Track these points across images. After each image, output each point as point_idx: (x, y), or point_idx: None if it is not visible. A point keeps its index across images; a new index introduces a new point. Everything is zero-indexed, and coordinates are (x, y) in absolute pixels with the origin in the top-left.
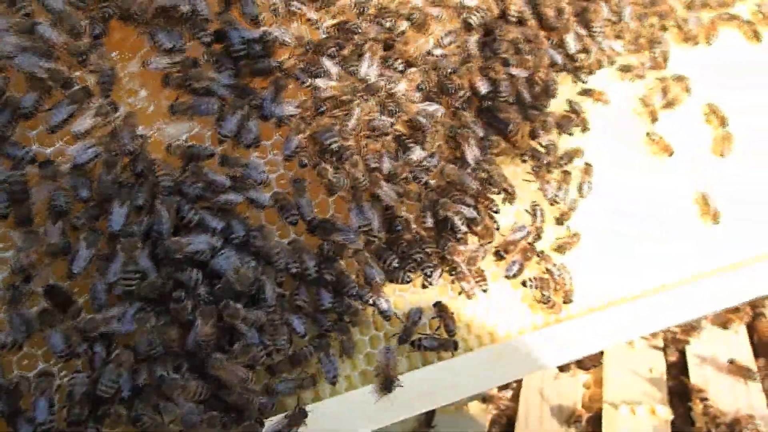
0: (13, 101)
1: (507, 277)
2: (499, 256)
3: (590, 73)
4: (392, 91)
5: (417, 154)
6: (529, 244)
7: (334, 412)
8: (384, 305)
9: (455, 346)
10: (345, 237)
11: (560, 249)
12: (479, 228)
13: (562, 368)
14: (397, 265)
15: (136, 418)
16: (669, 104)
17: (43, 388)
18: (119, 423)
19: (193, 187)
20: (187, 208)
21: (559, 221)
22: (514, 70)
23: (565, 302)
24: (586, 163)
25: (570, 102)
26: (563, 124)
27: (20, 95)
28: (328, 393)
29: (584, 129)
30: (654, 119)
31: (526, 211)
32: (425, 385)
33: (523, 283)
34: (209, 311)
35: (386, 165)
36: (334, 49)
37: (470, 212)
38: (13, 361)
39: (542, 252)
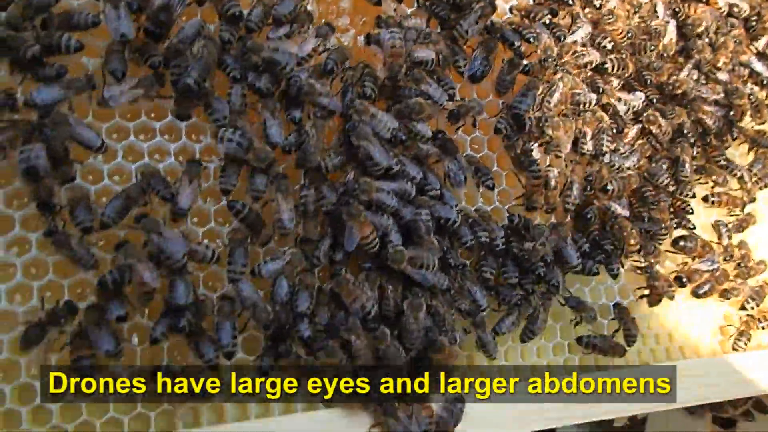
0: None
1: (695, 294)
2: (680, 282)
3: None
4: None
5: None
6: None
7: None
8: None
9: (623, 352)
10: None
11: (743, 275)
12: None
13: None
14: (587, 250)
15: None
16: None
17: (226, 313)
18: (294, 364)
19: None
20: (390, 156)
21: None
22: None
23: None
24: None
25: None
26: (757, 139)
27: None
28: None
29: None
30: None
31: (712, 225)
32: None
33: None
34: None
35: (588, 144)
36: (547, 15)
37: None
38: (200, 279)
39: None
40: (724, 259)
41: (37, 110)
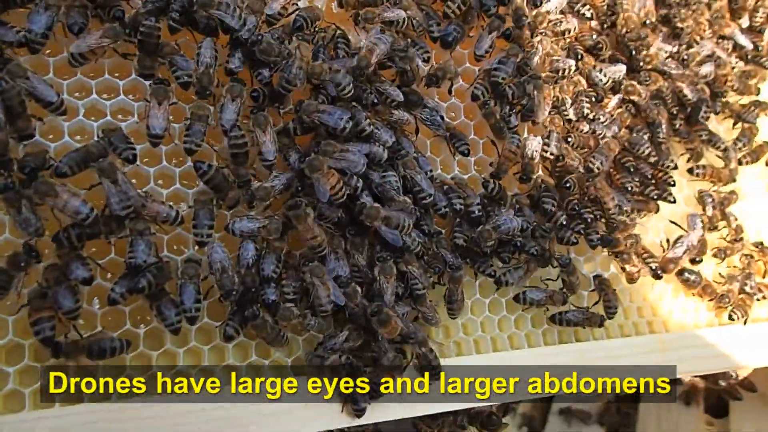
0: None
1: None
2: (655, 275)
3: None
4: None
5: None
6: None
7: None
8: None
9: (601, 322)
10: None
11: (720, 254)
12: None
13: (689, 401)
14: (564, 222)
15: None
16: None
17: (191, 275)
18: (262, 329)
19: (368, 93)
20: (362, 117)
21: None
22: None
23: None
24: None
25: None
26: (742, 114)
27: None
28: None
29: None
30: None
31: (697, 197)
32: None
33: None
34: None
35: (570, 111)
36: None
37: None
38: (165, 241)
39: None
40: (708, 229)
41: (39, 38)
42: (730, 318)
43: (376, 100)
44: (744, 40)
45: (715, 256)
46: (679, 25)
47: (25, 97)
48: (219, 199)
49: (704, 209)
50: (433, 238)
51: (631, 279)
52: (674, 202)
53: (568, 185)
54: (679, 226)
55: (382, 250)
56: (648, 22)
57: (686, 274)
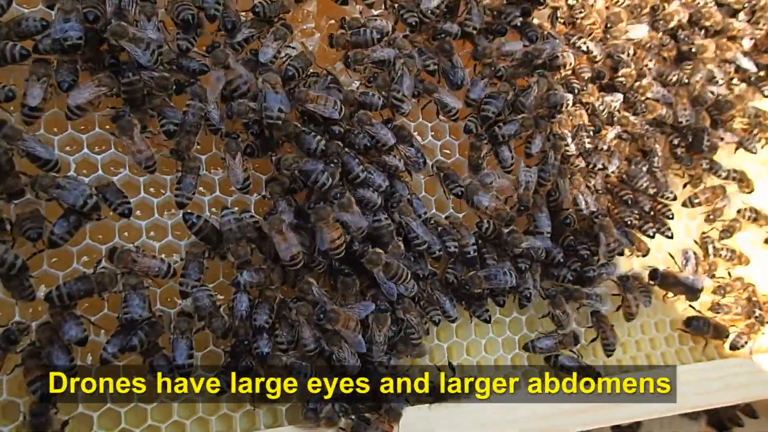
0: None
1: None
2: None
3: None
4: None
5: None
6: None
7: None
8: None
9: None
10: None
11: (720, 291)
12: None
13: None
14: (561, 260)
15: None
16: None
17: (183, 329)
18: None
19: (361, 138)
20: (355, 163)
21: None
22: None
23: None
24: None
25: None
26: (742, 141)
27: None
28: None
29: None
30: None
31: (699, 243)
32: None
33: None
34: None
35: (571, 146)
36: (518, 17)
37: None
38: (158, 294)
39: None
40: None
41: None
42: (735, 348)
43: (368, 144)
44: (747, 63)
45: (714, 293)
46: (685, 48)
47: (14, 154)
48: (210, 251)
49: (705, 254)
50: (428, 279)
51: (629, 311)
52: (672, 237)
53: (567, 221)
54: (675, 261)
55: (376, 294)
56: (651, 46)
57: (693, 322)
